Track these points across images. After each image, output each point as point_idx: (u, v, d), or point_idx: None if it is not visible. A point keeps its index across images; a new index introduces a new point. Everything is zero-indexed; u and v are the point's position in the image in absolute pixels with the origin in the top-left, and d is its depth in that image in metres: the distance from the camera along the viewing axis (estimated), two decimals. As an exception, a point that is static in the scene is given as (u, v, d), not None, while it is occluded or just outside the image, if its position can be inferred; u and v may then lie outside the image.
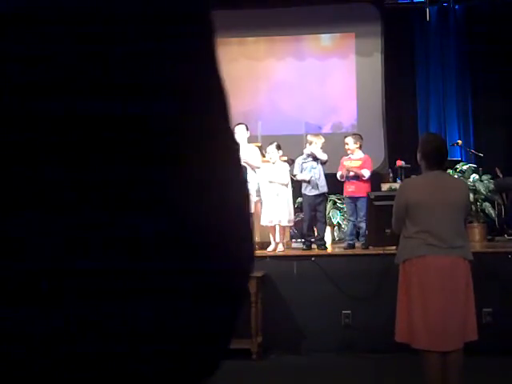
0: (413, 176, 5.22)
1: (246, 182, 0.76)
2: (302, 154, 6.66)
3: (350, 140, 6.56)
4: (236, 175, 0.76)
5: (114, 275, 0.65)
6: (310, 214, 6.37)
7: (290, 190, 6.52)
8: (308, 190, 6.36)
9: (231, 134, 0.75)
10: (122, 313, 0.61)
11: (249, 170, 6.46)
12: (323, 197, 6.47)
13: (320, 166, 6.41)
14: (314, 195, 6.35)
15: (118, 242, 0.66)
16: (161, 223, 0.68)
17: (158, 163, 0.69)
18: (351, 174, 6.37)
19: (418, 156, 3.70)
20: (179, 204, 0.70)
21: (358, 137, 6.62)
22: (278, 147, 6.48)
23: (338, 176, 6.46)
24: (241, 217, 0.76)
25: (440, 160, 3.66)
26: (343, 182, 6.50)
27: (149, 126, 0.68)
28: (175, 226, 0.70)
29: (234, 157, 0.75)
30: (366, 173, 6.39)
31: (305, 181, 6.38)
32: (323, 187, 6.38)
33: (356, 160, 6.48)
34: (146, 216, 0.67)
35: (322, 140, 6.55)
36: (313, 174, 6.35)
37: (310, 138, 6.69)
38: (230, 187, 0.74)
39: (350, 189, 6.40)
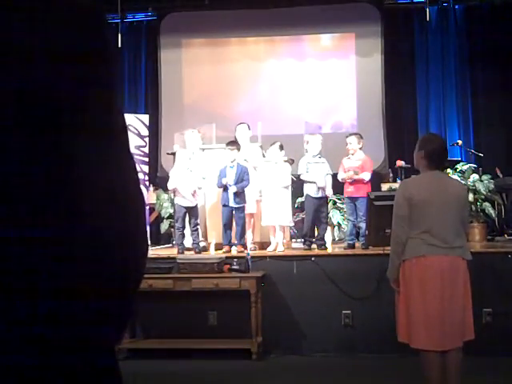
0: (413, 176, 5.22)
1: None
2: (303, 154, 6.66)
3: (353, 140, 6.50)
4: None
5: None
6: (312, 216, 6.35)
7: (289, 190, 6.52)
8: (313, 192, 6.35)
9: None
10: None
11: (250, 170, 6.46)
12: (326, 198, 6.49)
13: (326, 168, 6.40)
14: (319, 197, 6.34)
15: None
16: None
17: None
18: (352, 175, 6.34)
19: (418, 155, 3.69)
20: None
21: (360, 136, 6.61)
22: (281, 147, 6.48)
23: (339, 178, 6.45)
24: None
25: (441, 160, 3.67)
26: (343, 183, 6.49)
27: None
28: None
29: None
30: (367, 176, 6.39)
31: (311, 182, 6.36)
32: (329, 190, 6.38)
33: (356, 160, 6.47)
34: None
35: (320, 138, 6.55)
36: (321, 175, 6.34)
37: (306, 137, 6.71)
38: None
39: (349, 189, 6.40)
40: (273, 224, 6.38)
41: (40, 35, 0.71)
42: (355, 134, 6.78)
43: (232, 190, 6.25)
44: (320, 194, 6.35)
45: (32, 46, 0.70)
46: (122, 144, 0.78)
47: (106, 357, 0.77)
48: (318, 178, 6.33)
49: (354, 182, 6.36)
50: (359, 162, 6.45)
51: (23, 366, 0.68)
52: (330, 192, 6.43)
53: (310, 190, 6.37)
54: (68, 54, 0.73)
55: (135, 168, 0.80)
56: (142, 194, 0.81)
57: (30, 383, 0.69)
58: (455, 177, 6.76)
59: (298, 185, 6.62)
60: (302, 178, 6.44)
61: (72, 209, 0.72)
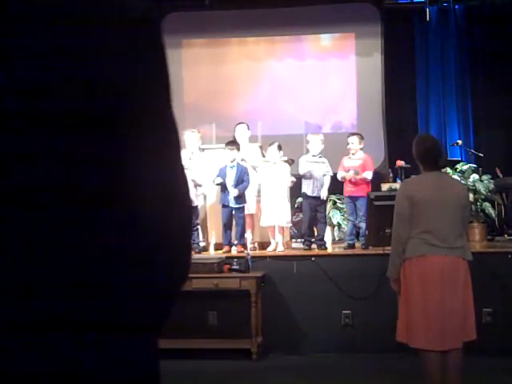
0: (413, 176, 5.22)
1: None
2: (303, 154, 6.65)
3: (354, 140, 6.49)
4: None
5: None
6: (310, 215, 6.36)
7: (288, 190, 6.52)
8: (309, 191, 6.34)
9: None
10: None
11: (249, 170, 6.45)
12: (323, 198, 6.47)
13: (326, 169, 6.39)
14: (316, 197, 6.33)
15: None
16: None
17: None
18: (353, 175, 6.33)
19: (415, 156, 3.71)
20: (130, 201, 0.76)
21: (361, 137, 6.60)
22: (280, 148, 6.48)
23: (339, 177, 6.45)
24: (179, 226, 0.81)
25: (432, 160, 3.65)
26: (343, 182, 6.49)
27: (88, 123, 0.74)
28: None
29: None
30: (369, 175, 6.39)
31: (307, 177, 6.34)
32: (324, 192, 6.35)
33: (356, 159, 6.47)
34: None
35: (321, 138, 6.55)
36: (320, 175, 6.33)
37: (308, 136, 6.70)
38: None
39: (349, 188, 6.39)
40: (272, 224, 6.38)
41: (112, 35, 0.75)
42: (357, 133, 6.78)
43: (233, 193, 6.25)
44: (317, 194, 6.34)
45: (105, 45, 0.74)
46: (175, 146, 0.82)
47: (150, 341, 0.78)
48: (316, 176, 6.32)
49: (355, 181, 6.36)
50: (360, 162, 6.44)
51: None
52: (324, 194, 6.39)
53: (306, 189, 6.36)
54: (134, 52, 0.77)
55: (184, 169, 0.84)
56: (189, 195, 0.85)
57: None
58: (455, 177, 6.75)
59: (297, 185, 6.62)
60: (300, 173, 6.43)
61: (127, 206, 0.75)
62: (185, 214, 0.82)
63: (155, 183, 0.77)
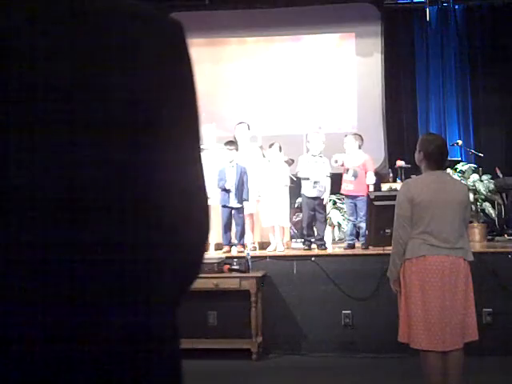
0: (413, 176, 5.22)
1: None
2: (303, 153, 6.65)
3: (349, 139, 6.55)
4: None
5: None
6: (308, 214, 6.36)
7: (288, 190, 6.52)
8: (307, 191, 6.34)
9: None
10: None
11: (249, 170, 6.45)
12: (323, 198, 6.46)
13: (326, 169, 6.39)
14: (315, 197, 6.33)
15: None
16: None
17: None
18: (351, 173, 6.34)
19: (418, 156, 3.68)
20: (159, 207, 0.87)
21: (358, 137, 6.61)
22: (280, 149, 6.48)
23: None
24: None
25: (441, 160, 3.66)
26: (342, 181, 6.49)
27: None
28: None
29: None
30: (371, 177, 6.41)
31: (305, 178, 6.35)
32: (321, 192, 6.35)
33: (357, 159, 6.47)
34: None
35: (322, 137, 6.55)
36: (320, 175, 6.33)
37: (308, 135, 6.71)
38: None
39: (348, 187, 6.38)
40: (271, 224, 6.38)
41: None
42: (353, 134, 6.83)
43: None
44: (316, 194, 6.33)
45: (140, 59, 0.86)
46: (199, 154, 0.94)
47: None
48: (314, 176, 6.31)
49: (354, 179, 6.36)
50: (361, 161, 6.45)
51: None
52: (326, 195, 6.40)
53: (305, 189, 6.36)
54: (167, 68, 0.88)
55: (204, 177, 0.96)
56: (208, 203, 1.00)
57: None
58: (455, 177, 6.76)
59: (297, 185, 6.62)
60: (298, 175, 6.44)
61: (154, 210, 0.86)
62: (203, 218, 0.99)
63: (180, 188, 0.90)
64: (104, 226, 0.81)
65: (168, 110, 0.87)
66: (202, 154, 0.95)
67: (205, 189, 0.96)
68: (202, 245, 1.03)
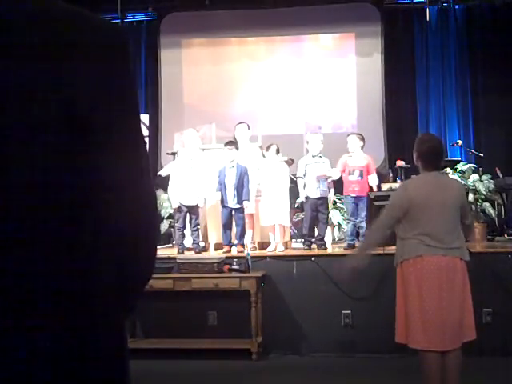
0: (413, 176, 5.22)
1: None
2: (303, 154, 6.65)
3: (351, 139, 6.52)
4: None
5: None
6: (311, 215, 6.35)
7: (287, 190, 6.52)
8: (311, 192, 6.34)
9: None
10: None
11: (249, 171, 6.45)
12: (325, 198, 6.45)
13: (327, 168, 6.39)
14: (317, 197, 6.33)
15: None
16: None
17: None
18: (357, 174, 6.35)
19: (414, 156, 3.70)
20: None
21: (361, 137, 6.59)
22: (277, 151, 6.48)
23: (333, 175, 6.44)
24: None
25: (435, 160, 3.65)
26: (343, 182, 6.48)
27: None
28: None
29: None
30: (375, 179, 6.42)
31: (304, 185, 6.37)
32: (325, 192, 6.36)
33: (360, 159, 6.46)
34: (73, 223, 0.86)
35: (321, 138, 6.54)
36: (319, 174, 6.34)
37: (307, 137, 6.70)
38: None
39: (353, 188, 6.36)
40: (271, 223, 6.38)
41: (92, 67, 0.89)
42: (356, 133, 6.79)
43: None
44: (319, 195, 6.33)
45: (84, 68, 0.88)
46: (142, 156, 0.96)
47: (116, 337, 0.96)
48: (312, 182, 6.31)
49: (360, 181, 6.35)
50: (365, 162, 6.45)
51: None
52: (331, 194, 6.43)
53: (308, 189, 6.35)
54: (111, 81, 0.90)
55: (150, 177, 0.98)
56: (154, 198, 1.00)
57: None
58: (455, 177, 6.75)
59: (296, 185, 6.62)
60: (298, 181, 6.44)
61: (98, 205, 0.87)
62: (148, 215, 0.96)
63: (123, 186, 0.90)
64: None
65: (103, 113, 0.88)
66: (144, 155, 0.97)
67: (149, 192, 0.96)
68: (143, 263, 0.99)
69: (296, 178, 6.52)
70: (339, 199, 7.40)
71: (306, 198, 6.38)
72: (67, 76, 0.85)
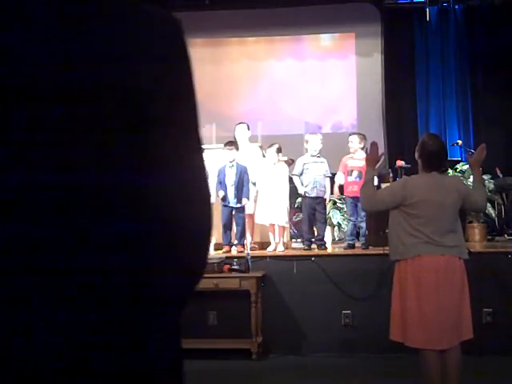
0: (412, 176, 5.21)
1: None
2: (303, 154, 6.65)
3: (354, 139, 6.49)
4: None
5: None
6: (308, 214, 6.35)
7: (287, 190, 6.51)
8: (308, 191, 6.34)
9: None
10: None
11: (249, 170, 6.45)
12: (322, 198, 6.44)
13: (325, 168, 6.39)
14: (315, 197, 6.33)
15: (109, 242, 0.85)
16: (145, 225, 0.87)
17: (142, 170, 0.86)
18: (357, 174, 6.36)
19: (416, 155, 3.71)
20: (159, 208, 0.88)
21: (363, 137, 6.57)
22: (279, 150, 6.47)
23: (338, 181, 6.45)
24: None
25: (436, 164, 3.65)
26: (344, 182, 6.48)
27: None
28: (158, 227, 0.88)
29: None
30: (375, 180, 6.40)
31: (302, 184, 6.37)
32: (322, 192, 6.36)
33: (359, 160, 6.45)
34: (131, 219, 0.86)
35: (320, 137, 6.54)
36: (319, 175, 6.34)
37: (306, 136, 6.70)
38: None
39: (352, 188, 6.36)
40: (266, 222, 6.38)
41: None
42: (358, 133, 6.77)
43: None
44: (316, 194, 6.33)
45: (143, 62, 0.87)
46: (199, 152, 0.95)
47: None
48: (315, 176, 6.31)
49: (358, 180, 6.35)
50: (363, 162, 6.43)
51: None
52: (328, 193, 6.41)
53: (305, 189, 6.35)
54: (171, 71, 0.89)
55: (206, 173, 0.96)
56: (210, 195, 0.98)
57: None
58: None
59: (295, 185, 6.61)
60: (293, 179, 6.44)
61: (155, 203, 0.87)
62: (205, 210, 0.97)
63: (180, 183, 0.90)
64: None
65: (165, 107, 0.87)
66: (203, 153, 0.95)
67: (206, 186, 0.96)
68: (205, 243, 1.03)
69: (292, 175, 6.52)
70: (339, 199, 7.40)
71: (304, 196, 6.38)
72: (133, 66, 0.85)
